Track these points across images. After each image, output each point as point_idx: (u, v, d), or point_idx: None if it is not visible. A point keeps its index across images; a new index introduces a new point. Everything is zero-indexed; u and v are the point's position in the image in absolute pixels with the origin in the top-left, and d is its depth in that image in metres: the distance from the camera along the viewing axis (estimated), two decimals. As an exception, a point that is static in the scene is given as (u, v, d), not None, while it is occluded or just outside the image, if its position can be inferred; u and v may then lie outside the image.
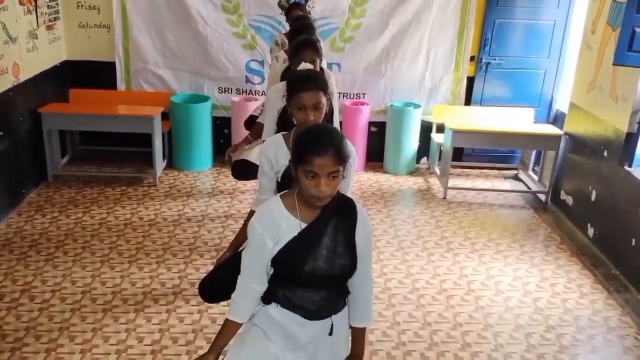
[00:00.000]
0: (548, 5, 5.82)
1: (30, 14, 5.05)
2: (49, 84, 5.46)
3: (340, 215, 1.96)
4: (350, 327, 2.12)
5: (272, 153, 2.51)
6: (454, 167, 6.05)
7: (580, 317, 3.75)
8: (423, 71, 6.04)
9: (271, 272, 1.97)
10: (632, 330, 3.66)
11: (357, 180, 5.88)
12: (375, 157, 6.20)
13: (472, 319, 3.68)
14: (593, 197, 4.71)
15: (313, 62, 3.15)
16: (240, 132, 5.88)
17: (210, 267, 4.10)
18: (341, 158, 1.81)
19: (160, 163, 5.64)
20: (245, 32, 5.86)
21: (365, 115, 5.99)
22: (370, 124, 6.11)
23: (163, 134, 5.71)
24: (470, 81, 6.10)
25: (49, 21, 5.46)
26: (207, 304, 3.65)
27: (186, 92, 6.01)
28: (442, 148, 5.85)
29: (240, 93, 6.02)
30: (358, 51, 5.95)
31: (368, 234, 2.02)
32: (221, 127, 6.09)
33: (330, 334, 2.03)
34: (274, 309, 2.00)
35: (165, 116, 5.69)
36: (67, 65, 5.80)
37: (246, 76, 5.99)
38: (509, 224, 5.07)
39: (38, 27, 5.20)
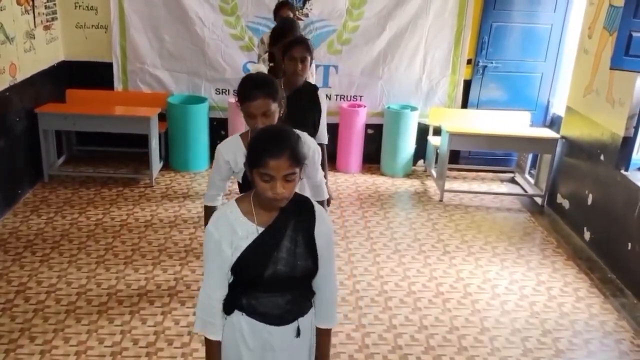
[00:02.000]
0: (545, 9, 5.84)
1: (28, 14, 5.04)
2: (46, 84, 5.44)
3: (297, 216, 1.91)
4: (317, 328, 2.05)
5: (231, 155, 2.54)
6: (451, 169, 6.05)
7: (577, 321, 3.76)
8: (420, 74, 6.05)
9: (231, 279, 1.91)
10: (628, 334, 3.67)
11: (353, 182, 5.89)
12: (372, 159, 6.21)
13: (469, 323, 3.68)
14: (589, 201, 4.72)
15: (304, 59, 3.23)
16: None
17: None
18: (297, 160, 1.77)
19: (156, 164, 5.62)
20: (242, 33, 5.86)
21: (362, 118, 5.99)
22: (367, 126, 6.11)
23: (160, 135, 5.70)
24: (467, 84, 6.11)
25: (47, 21, 5.44)
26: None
27: (183, 93, 6.00)
28: (438, 151, 5.86)
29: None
30: (355, 53, 5.96)
31: (328, 233, 1.97)
32: (218, 128, 6.08)
33: (298, 336, 1.98)
34: (240, 318, 1.93)
35: (162, 117, 5.68)
36: (64, 65, 5.78)
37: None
38: (506, 227, 5.07)
39: (35, 27, 5.19)
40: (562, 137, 5.35)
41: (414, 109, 6.03)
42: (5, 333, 3.31)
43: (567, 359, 3.41)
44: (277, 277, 1.87)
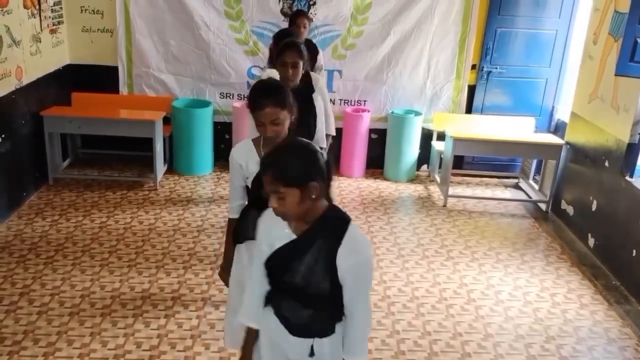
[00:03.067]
0: (550, 15, 5.84)
1: (34, 17, 5.07)
2: (52, 88, 5.47)
3: (328, 235, 1.88)
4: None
5: (242, 158, 2.56)
6: (455, 175, 6.05)
7: (581, 327, 3.74)
8: (424, 79, 6.05)
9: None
10: (633, 341, 3.65)
11: (357, 187, 5.89)
12: (376, 164, 6.21)
13: (472, 329, 3.67)
14: (594, 207, 4.71)
15: (295, 64, 3.25)
16: (241, 138, 5.87)
17: (209, 272, 4.11)
18: (279, 178, 1.79)
19: (161, 167, 5.64)
20: (247, 38, 5.88)
21: (365, 122, 6.00)
22: (371, 130, 6.12)
23: (164, 139, 5.72)
24: (472, 89, 6.11)
25: (53, 25, 5.47)
26: (205, 310, 3.65)
27: (188, 97, 6.02)
28: (442, 156, 5.86)
29: (241, 99, 6.03)
30: (359, 58, 5.96)
31: (357, 261, 1.86)
32: (222, 132, 6.10)
33: (311, 355, 1.96)
34: (270, 313, 2.02)
35: (166, 121, 5.70)
36: (69, 68, 5.81)
37: (248, 82, 5.99)
38: (510, 233, 5.06)
39: (42, 30, 5.22)
40: (567, 143, 5.34)
41: (418, 114, 6.03)
42: (9, 335, 3.31)
43: (571, 365, 3.40)
44: (294, 287, 1.90)
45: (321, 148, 3.26)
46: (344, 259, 1.84)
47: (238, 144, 2.63)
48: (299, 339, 1.96)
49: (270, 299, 2.02)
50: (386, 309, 3.83)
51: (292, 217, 1.89)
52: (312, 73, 3.53)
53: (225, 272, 2.85)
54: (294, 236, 1.92)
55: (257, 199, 2.50)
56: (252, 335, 2.08)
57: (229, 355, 3.27)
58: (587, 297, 4.11)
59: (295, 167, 1.80)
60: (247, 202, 2.69)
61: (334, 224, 1.90)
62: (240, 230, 2.67)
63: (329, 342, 1.98)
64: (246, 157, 2.54)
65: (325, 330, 1.97)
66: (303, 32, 4.93)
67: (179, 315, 3.62)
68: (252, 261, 2.10)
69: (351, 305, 1.92)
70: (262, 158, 1.93)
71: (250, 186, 2.57)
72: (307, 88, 3.50)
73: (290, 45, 3.33)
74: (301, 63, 3.30)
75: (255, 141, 2.55)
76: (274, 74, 2.43)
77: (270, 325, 2.02)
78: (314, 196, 1.83)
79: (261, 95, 2.40)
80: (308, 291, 1.89)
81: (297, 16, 4.98)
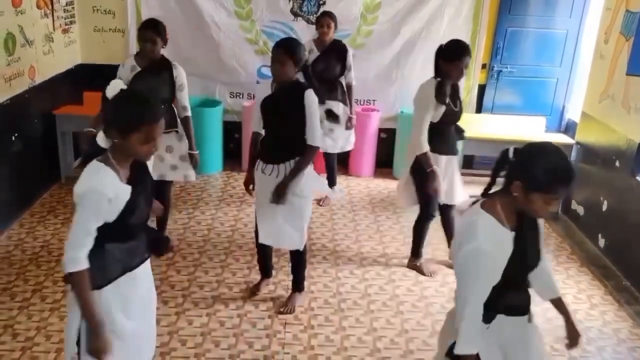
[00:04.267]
0: (561, 15, 5.81)
1: (47, 17, 5.12)
2: (64, 87, 5.52)
3: (533, 220, 2.13)
4: (554, 300, 2.33)
5: (111, 189, 2.03)
6: (465, 174, 5.99)
7: (590, 328, 3.73)
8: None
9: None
10: (642, 342, 3.64)
11: (366, 187, 5.89)
12: (385, 163, 6.21)
13: (481, 328, 3.66)
14: (604, 208, 4.69)
15: (281, 60, 3.25)
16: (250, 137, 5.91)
17: (219, 270, 4.14)
18: None
19: (171, 166, 5.66)
20: (257, 38, 5.90)
21: (375, 122, 6.00)
22: (380, 130, 6.12)
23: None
24: (482, 89, 6.10)
25: (65, 25, 5.52)
26: (215, 307, 3.68)
27: (198, 96, 6.04)
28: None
29: (251, 98, 6.05)
30: (369, 58, 5.96)
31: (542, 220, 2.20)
32: (232, 131, 6.12)
33: (530, 320, 2.25)
34: (503, 320, 2.14)
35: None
36: (81, 68, 5.86)
37: (258, 81, 6.00)
38: (519, 233, 5.04)
39: (54, 30, 5.27)
40: (577, 143, 5.31)
41: (427, 113, 6.02)
42: (5, 352, 3.21)
43: (580, 366, 3.39)
44: (529, 271, 2.14)
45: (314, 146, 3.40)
46: (541, 221, 2.18)
47: (96, 176, 2.02)
48: (525, 316, 2.22)
49: (495, 311, 2.10)
50: (395, 308, 3.83)
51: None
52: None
53: (99, 339, 2.09)
54: (512, 233, 2.03)
55: (124, 227, 2.11)
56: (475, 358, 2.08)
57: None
58: (597, 298, 4.09)
59: None
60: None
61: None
62: (102, 271, 2.11)
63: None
64: (113, 187, 2.03)
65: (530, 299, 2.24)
66: (327, 33, 4.95)
67: (189, 312, 3.65)
68: (478, 287, 2.00)
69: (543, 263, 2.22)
70: (570, 173, 1.94)
71: (118, 216, 2.07)
72: (302, 83, 3.44)
73: (281, 43, 3.39)
74: (289, 62, 3.28)
75: (109, 164, 2.06)
76: (121, 84, 2.08)
77: (502, 331, 2.15)
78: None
79: (149, 108, 2.06)
80: (535, 265, 2.15)
81: (322, 17, 5.01)
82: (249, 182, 3.62)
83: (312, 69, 4.84)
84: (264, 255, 3.87)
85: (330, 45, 5.00)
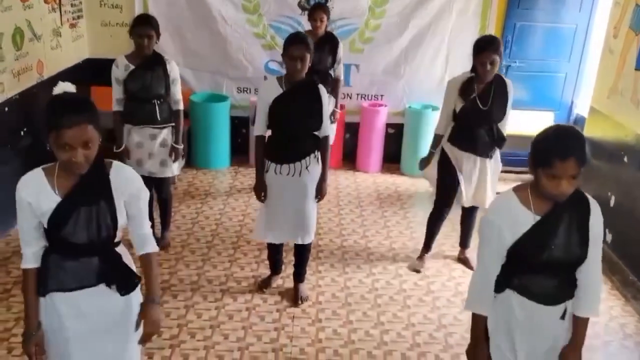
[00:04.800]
0: (570, 9, 5.78)
1: (55, 12, 5.14)
2: (71, 81, 5.46)
3: (574, 207, 2.07)
4: (574, 316, 2.18)
5: (32, 194, 1.98)
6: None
7: (597, 323, 3.72)
8: (442, 73, 6.02)
9: (503, 262, 2.13)
10: (650, 337, 3.63)
11: (373, 182, 5.89)
12: (393, 158, 6.20)
13: (488, 322, 3.67)
14: (612, 203, 4.67)
15: (303, 58, 3.22)
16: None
17: (228, 265, 4.16)
18: (583, 162, 1.94)
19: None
20: (265, 32, 5.90)
21: (382, 117, 5.99)
22: (388, 125, 6.11)
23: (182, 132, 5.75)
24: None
25: (72, 19, 5.54)
26: (224, 301, 3.69)
27: (205, 91, 6.06)
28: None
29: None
30: (377, 53, 5.95)
31: (600, 224, 2.12)
32: (239, 126, 6.12)
33: (563, 318, 2.16)
34: (511, 296, 2.15)
35: (184, 115, 5.73)
36: (89, 63, 5.88)
37: (265, 76, 6.01)
38: (526, 228, 5.03)
39: (62, 25, 5.29)
40: (585, 138, 5.28)
41: (435, 108, 6.00)
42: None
43: (587, 360, 3.39)
44: (552, 261, 2.07)
45: (327, 136, 3.42)
46: (593, 224, 2.09)
47: (25, 177, 2.03)
48: (552, 307, 2.14)
49: (505, 285, 2.14)
50: (402, 302, 3.85)
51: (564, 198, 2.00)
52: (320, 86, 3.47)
53: (27, 342, 2.08)
54: (537, 217, 2.04)
55: (58, 241, 2.02)
56: (483, 322, 2.19)
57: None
58: (603, 293, 4.08)
59: (585, 148, 1.99)
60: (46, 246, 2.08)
61: (576, 195, 2.06)
62: (44, 279, 2.06)
63: (571, 303, 2.18)
64: (37, 193, 1.98)
65: (572, 292, 2.16)
66: (320, 26, 4.94)
67: (198, 305, 3.68)
68: (484, 252, 2.15)
69: (595, 264, 2.14)
70: (550, 144, 1.95)
71: (47, 226, 2.00)
72: (311, 79, 3.49)
73: (297, 39, 3.29)
74: (308, 56, 3.27)
75: (48, 170, 2.02)
76: (70, 87, 2.01)
77: (512, 307, 2.14)
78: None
79: (67, 111, 1.92)
80: (567, 261, 2.09)
81: (314, 10, 5.00)
82: (262, 187, 3.48)
83: None
84: (275, 251, 3.82)
85: (322, 37, 5.00)
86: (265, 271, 4.02)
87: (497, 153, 4.05)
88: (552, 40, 5.90)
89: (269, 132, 3.47)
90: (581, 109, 5.90)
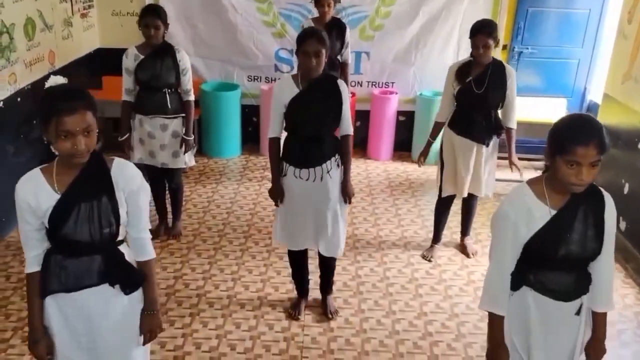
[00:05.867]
0: (583, -6, 5.71)
1: (66, 2, 5.15)
2: (83, 71, 5.56)
3: (589, 201, 2.04)
4: (592, 312, 2.16)
5: (30, 194, 1.95)
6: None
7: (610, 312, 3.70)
8: (454, 60, 5.92)
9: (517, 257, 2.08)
10: (664, 325, 3.61)
11: (384, 170, 5.88)
12: (404, 146, 6.18)
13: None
14: (626, 190, 4.63)
15: (318, 53, 3.00)
16: (269, 121, 5.90)
17: (239, 254, 4.17)
18: (604, 148, 1.87)
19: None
20: (275, 20, 5.87)
21: (393, 105, 5.97)
22: (399, 113, 6.09)
23: (193, 122, 5.76)
24: (502, 71, 6.02)
25: (84, 9, 5.55)
26: (231, 309, 3.59)
27: (216, 80, 6.06)
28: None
29: (269, 81, 6.05)
30: (387, 40, 5.91)
31: (614, 218, 2.09)
32: (250, 115, 6.13)
33: (578, 313, 2.11)
34: (527, 293, 2.10)
35: (195, 104, 5.73)
36: (100, 52, 5.90)
37: (275, 65, 6.01)
38: (539, 216, 5.00)
39: (73, 15, 5.30)
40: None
41: (446, 95, 5.97)
42: None
43: (600, 349, 3.38)
44: (568, 256, 2.03)
45: (348, 135, 3.21)
46: (608, 218, 2.06)
47: (22, 178, 2.00)
48: (568, 303, 2.09)
49: (522, 282, 2.10)
50: (414, 291, 3.85)
51: (581, 189, 1.96)
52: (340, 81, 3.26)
53: (35, 346, 2.08)
54: (553, 211, 2.01)
55: (59, 240, 2.00)
56: (501, 323, 2.12)
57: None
58: (617, 281, 4.06)
59: (605, 134, 1.91)
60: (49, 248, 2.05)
61: (591, 190, 2.02)
62: (46, 281, 2.04)
63: (587, 297, 2.13)
64: (35, 192, 1.96)
65: (587, 287, 2.12)
66: (327, 12, 4.91)
67: (204, 314, 3.67)
68: (499, 248, 2.09)
69: (608, 258, 2.10)
70: (571, 132, 1.89)
71: (48, 224, 1.97)
72: (331, 75, 3.34)
73: (311, 34, 3.06)
74: (324, 51, 3.03)
75: (46, 171, 2.00)
76: (62, 80, 1.95)
77: (529, 304, 2.10)
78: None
79: (65, 99, 1.88)
80: (585, 255, 2.05)
81: None
82: (279, 192, 3.24)
83: None
84: (301, 266, 3.53)
85: (330, 23, 4.96)
86: (273, 274, 3.97)
87: (495, 141, 4.03)
88: (564, 26, 5.83)
89: (284, 134, 3.27)
90: (594, 95, 5.84)
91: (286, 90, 3.12)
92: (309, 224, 3.28)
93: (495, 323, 2.13)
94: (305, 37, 3.03)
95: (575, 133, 1.89)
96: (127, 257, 2.11)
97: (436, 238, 4.33)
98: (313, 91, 3.09)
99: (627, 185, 4.62)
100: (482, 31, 3.67)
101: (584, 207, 2.03)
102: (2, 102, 4.21)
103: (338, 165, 3.23)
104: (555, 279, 2.08)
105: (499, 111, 3.95)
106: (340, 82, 3.19)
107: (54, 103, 1.85)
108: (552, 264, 2.06)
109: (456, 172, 4.03)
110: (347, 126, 3.21)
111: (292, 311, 3.54)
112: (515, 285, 2.11)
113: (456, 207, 4.37)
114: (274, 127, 3.20)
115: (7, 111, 4.27)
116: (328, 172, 3.16)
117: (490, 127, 3.94)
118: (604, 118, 5.19)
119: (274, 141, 3.21)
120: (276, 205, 3.31)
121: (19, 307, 3.46)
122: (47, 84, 1.95)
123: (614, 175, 4.85)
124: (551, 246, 2.01)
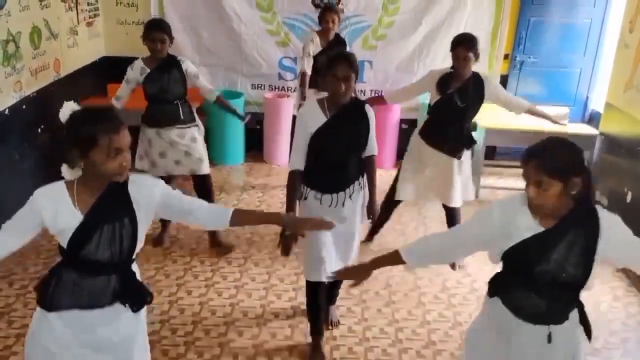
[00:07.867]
0: (584, 4, 5.74)
1: (71, 10, 5.19)
2: (88, 79, 5.60)
3: (581, 225, 1.96)
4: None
5: (49, 204, 1.96)
6: (486, 165, 6.00)
7: (614, 320, 3.71)
8: (456, 69, 5.99)
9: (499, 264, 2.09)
10: (667, 334, 3.61)
11: (387, 178, 5.88)
12: (406, 154, 6.19)
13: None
14: (629, 199, 4.64)
15: (347, 78, 2.82)
16: (272, 128, 5.95)
17: (242, 261, 4.18)
18: (547, 170, 1.86)
19: (193, 158, 5.72)
20: (279, 29, 5.91)
21: (396, 113, 5.99)
22: (402, 121, 6.11)
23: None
24: (504, 79, 6.05)
25: (89, 18, 5.59)
26: (238, 298, 3.71)
27: (220, 88, 6.07)
28: (474, 146, 5.80)
29: (273, 89, 6.09)
30: (390, 49, 5.95)
31: (621, 233, 2.00)
32: (253, 123, 6.14)
33: (549, 342, 2.03)
34: (495, 303, 2.11)
35: (199, 112, 5.77)
36: (105, 61, 5.94)
37: (279, 73, 6.05)
38: (541, 225, 5.01)
39: (78, 23, 5.34)
40: (601, 134, 5.26)
41: (449, 104, 5.99)
42: None
43: (603, 357, 3.38)
44: (544, 275, 1.96)
45: (373, 155, 3.07)
46: (610, 244, 1.95)
47: (46, 186, 2.02)
48: (532, 326, 2.04)
49: (498, 290, 2.11)
50: (417, 299, 3.85)
51: (546, 210, 1.93)
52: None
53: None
54: (541, 228, 1.96)
55: (77, 259, 1.97)
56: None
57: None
58: (620, 290, 4.07)
59: (563, 159, 1.89)
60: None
61: (590, 214, 1.97)
62: (58, 296, 2.00)
63: (565, 330, 2.06)
64: (56, 205, 1.94)
65: (561, 318, 2.05)
66: (332, 28, 4.95)
67: (206, 321, 3.69)
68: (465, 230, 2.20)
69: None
70: (529, 148, 1.93)
71: (67, 245, 1.95)
72: (359, 100, 3.22)
73: (342, 57, 2.88)
74: (354, 77, 2.85)
75: (70, 185, 1.99)
76: (74, 107, 2.06)
77: (499, 315, 2.10)
78: (573, 192, 1.90)
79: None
80: (559, 278, 1.95)
81: (325, 12, 4.99)
82: (290, 242, 2.83)
83: (315, 62, 4.89)
84: (320, 303, 3.22)
85: (333, 39, 5.02)
86: (278, 268, 4.02)
87: (467, 154, 4.06)
88: (566, 35, 5.86)
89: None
90: (596, 104, 5.86)
91: (312, 118, 2.92)
92: (333, 248, 3.08)
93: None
94: (336, 61, 2.83)
95: (526, 150, 1.95)
96: (138, 276, 2.13)
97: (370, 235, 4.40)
98: (341, 118, 2.91)
99: (630, 194, 4.63)
100: (462, 44, 3.73)
101: (575, 230, 1.96)
102: (7, 110, 4.24)
103: (361, 187, 3.10)
104: (526, 297, 2.02)
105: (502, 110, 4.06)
106: (368, 107, 3.03)
107: (99, 124, 1.87)
108: (527, 280, 2.00)
109: (416, 178, 4.10)
110: (373, 147, 3.08)
111: (316, 356, 3.21)
112: (491, 292, 2.15)
113: (468, 211, 4.37)
114: (297, 157, 2.95)
115: (12, 118, 4.30)
116: (350, 196, 3.03)
117: (463, 140, 3.98)
118: (606, 126, 5.21)
119: (295, 175, 2.95)
120: (283, 255, 2.89)
121: (22, 314, 3.46)
122: (65, 112, 1.99)
123: (616, 184, 4.86)
124: (531, 259, 1.96)
